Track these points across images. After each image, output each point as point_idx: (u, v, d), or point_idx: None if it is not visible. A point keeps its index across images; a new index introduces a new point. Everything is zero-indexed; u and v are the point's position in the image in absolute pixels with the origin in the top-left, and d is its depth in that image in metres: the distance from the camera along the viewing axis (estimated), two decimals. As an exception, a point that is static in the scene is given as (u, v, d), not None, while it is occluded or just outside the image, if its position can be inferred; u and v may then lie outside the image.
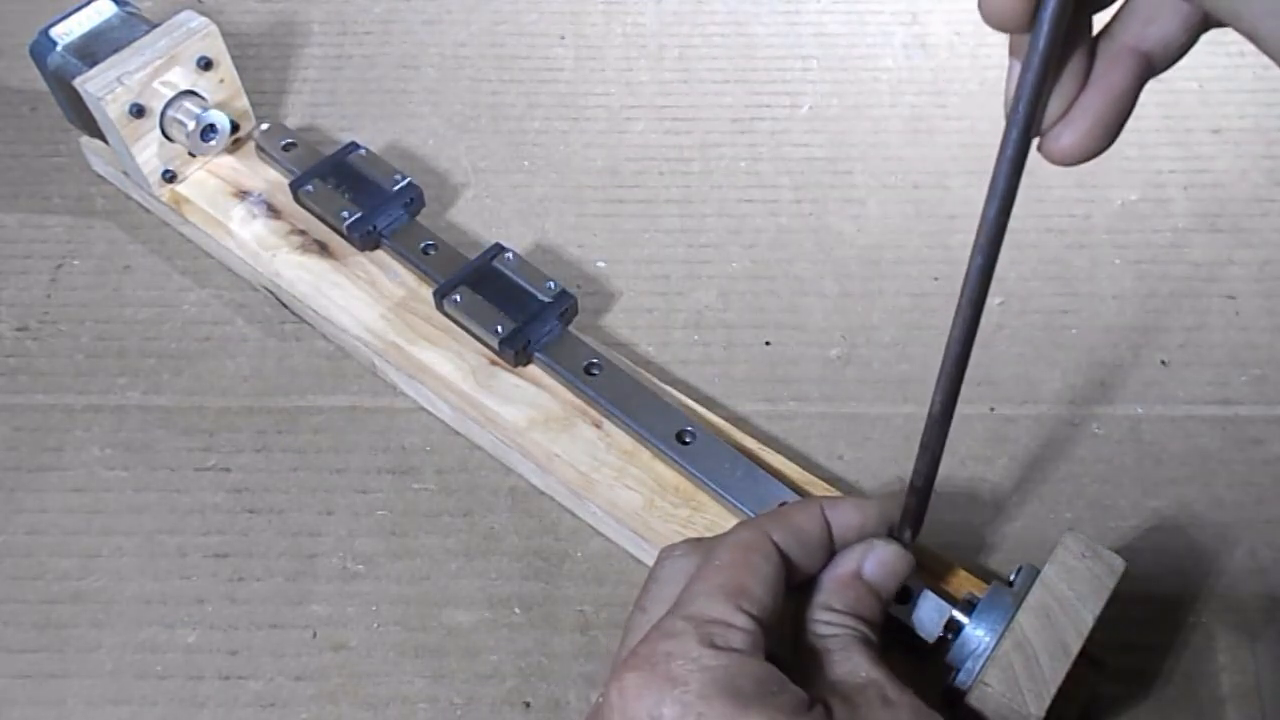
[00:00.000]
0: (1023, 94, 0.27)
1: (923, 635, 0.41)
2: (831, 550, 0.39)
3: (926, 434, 0.36)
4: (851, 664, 0.36)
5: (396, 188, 0.56)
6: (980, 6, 0.27)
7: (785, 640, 0.37)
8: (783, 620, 0.37)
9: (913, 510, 0.39)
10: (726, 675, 0.32)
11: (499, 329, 0.50)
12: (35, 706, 0.45)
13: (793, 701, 0.33)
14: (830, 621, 0.37)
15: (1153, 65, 0.28)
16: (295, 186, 0.56)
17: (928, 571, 0.44)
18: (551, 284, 0.52)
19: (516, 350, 0.50)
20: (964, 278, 0.32)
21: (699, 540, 0.40)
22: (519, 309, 0.51)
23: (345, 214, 0.55)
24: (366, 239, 0.55)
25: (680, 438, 0.48)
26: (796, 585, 0.39)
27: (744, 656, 0.33)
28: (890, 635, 0.42)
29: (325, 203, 0.56)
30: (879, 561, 0.39)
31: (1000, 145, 0.29)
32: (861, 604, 0.38)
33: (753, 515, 0.45)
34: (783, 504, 0.44)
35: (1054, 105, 0.28)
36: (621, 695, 0.32)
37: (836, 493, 0.48)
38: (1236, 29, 0.25)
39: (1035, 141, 0.29)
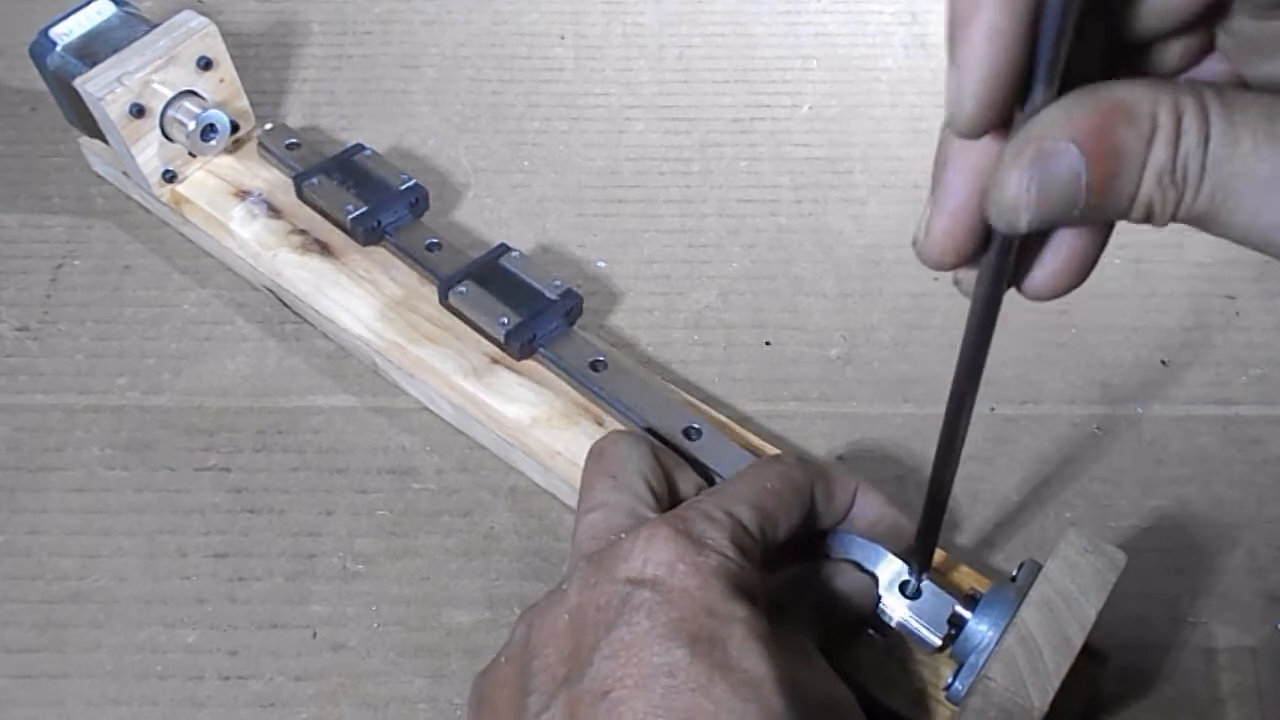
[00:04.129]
0: (984, 277, 0.29)
1: (926, 630, 0.41)
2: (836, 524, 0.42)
3: (933, 483, 0.36)
4: None
5: (402, 187, 0.56)
6: (919, 255, 0.28)
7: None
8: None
9: (919, 553, 0.40)
10: (741, 573, 0.36)
11: (504, 320, 0.50)
12: (35, 706, 0.45)
13: (761, 615, 0.35)
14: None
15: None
16: (300, 180, 0.56)
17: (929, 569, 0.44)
18: (557, 282, 0.52)
19: (522, 344, 0.50)
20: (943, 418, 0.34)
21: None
22: (524, 304, 0.51)
23: (350, 209, 0.54)
24: (370, 235, 0.55)
25: (686, 435, 0.48)
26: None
27: (752, 569, 0.37)
28: (895, 630, 0.42)
29: (330, 197, 0.55)
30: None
31: (970, 306, 0.30)
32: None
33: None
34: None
35: (1020, 270, 0.29)
36: (650, 540, 0.35)
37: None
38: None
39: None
